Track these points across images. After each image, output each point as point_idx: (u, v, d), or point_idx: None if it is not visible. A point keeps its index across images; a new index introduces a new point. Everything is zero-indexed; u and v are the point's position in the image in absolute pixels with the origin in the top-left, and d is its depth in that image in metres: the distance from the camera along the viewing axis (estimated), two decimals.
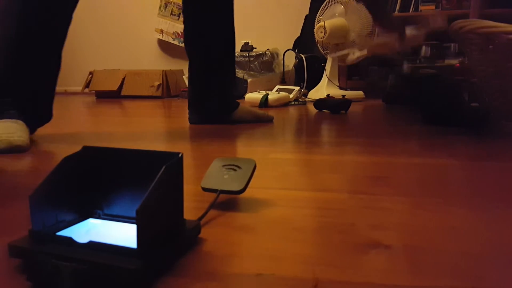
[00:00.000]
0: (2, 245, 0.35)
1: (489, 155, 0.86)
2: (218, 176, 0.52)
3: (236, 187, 0.50)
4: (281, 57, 2.85)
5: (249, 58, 2.90)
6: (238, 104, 1.39)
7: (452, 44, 2.81)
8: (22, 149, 0.89)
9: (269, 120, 1.44)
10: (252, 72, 2.86)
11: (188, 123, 1.39)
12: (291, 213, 0.49)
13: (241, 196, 0.54)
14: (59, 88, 1.10)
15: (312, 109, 1.93)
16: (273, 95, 2.10)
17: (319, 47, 2.48)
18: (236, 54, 2.91)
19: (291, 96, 2.21)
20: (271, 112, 1.80)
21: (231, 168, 0.54)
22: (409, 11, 2.87)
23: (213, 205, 0.48)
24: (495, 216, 0.48)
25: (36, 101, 1.01)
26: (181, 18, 3.30)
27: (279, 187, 0.62)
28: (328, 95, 2.01)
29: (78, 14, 1.00)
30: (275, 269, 0.35)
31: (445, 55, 2.86)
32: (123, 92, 3.00)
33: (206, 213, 0.46)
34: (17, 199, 0.57)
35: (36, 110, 1.02)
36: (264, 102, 2.05)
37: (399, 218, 0.47)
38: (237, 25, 1.36)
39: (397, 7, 2.89)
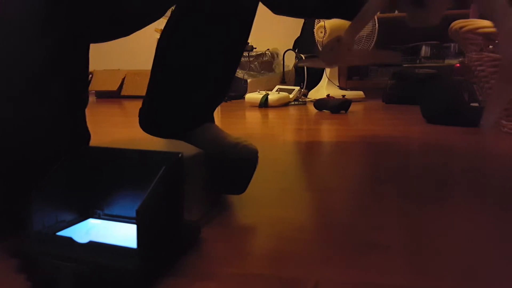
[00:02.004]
0: (2, 245, 0.35)
1: (489, 155, 0.86)
2: (219, 176, 0.52)
3: (236, 187, 0.50)
4: (281, 57, 2.85)
5: (249, 58, 2.90)
6: (202, 120, 0.84)
7: (452, 44, 2.81)
8: None
9: (243, 159, 0.64)
10: (252, 72, 2.86)
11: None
12: (291, 213, 0.49)
13: (241, 196, 0.54)
14: None
15: (312, 109, 1.93)
16: (273, 95, 2.10)
17: (319, 47, 2.48)
18: None
19: (291, 96, 2.21)
20: (271, 112, 1.80)
21: (231, 168, 0.54)
22: None
23: (213, 205, 0.48)
24: (495, 217, 0.48)
25: None
26: None
27: (279, 187, 0.62)
28: (328, 95, 2.01)
29: None
30: (275, 269, 0.35)
31: (445, 55, 2.86)
32: (123, 92, 3.00)
33: (206, 213, 0.46)
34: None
35: None
36: (264, 102, 2.05)
37: (399, 218, 0.47)
38: None
39: None
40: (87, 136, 0.57)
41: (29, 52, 0.51)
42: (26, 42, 0.51)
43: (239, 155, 0.72)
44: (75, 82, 0.59)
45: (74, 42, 0.59)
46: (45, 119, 0.49)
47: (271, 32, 3.25)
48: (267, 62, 2.92)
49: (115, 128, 1.33)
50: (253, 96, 2.13)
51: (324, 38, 2.35)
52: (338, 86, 2.47)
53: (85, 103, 0.61)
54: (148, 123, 0.92)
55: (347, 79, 2.87)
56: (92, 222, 0.40)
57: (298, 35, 3.03)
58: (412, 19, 0.58)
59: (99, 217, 0.40)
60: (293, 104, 2.21)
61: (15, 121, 0.46)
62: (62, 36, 0.56)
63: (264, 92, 2.12)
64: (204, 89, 0.86)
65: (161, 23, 1.03)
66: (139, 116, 0.93)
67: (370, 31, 2.40)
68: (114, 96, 2.98)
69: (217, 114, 1.77)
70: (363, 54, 0.87)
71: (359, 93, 2.46)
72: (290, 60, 2.82)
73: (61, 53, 0.56)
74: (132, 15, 0.76)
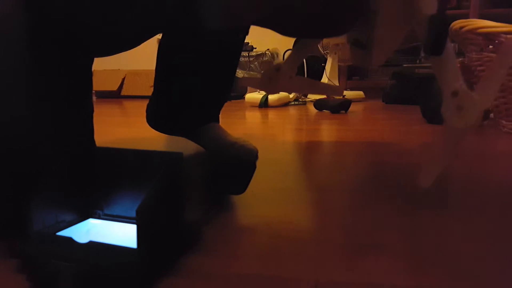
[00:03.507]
0: (2, 245, 0.35)
1: (489, 155, 0.86)
2: (218, 176, 0.52)
3: (236, 187, 0.50)
4: (281, 57, 2.85)
5: (249, 58, 2.90)
6: (208, 119, 0.86)
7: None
8: None
9: (242, 160, 0.64)
10: (252, 72, 2.86)
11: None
12: (291, 213, 0.49)
13: (241, 196, 0.54)
14: None
15: (312, 109, 1.93)
16: (273, 95, 2.10)
17: (319, 47, 2.48)
18: None
19: (291, 96, 2.21)
20: (271, 112, 1.80)
21: (231, 168, 0.54)
22: None
23: (213, 205, 0.48)
24: (495, 216, 0.48)
25: None
26: None
27: (279, 187, 0.62)
28: (328, 95, 2.01)
29: None
30: (275, 269, 0.35)
31: None
32: (123, 92, 3.00)
33: (206, 213, 0.46)
34: None
35: None
36: (264, 102, 2.05)
37: (399, 219, 0.47)
38: None
39: None
40: (91, 143, 0.57)
41: (31, 57, 0.51)
42: (26, 47, 0.50)
43: (237, 154, 0.71)
44: (78, 87, 0.59)
45: (76, 53, 0.58)
46: (48, 122, 0.49)
47: (271, 32, 3.25)
48: (267, 62, 2.92)
49: (115, 128, 1.33)
50: (253, 96, 2.13)
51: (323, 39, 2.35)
52: (338, 86, 2.47)
53: (90, 109, 0.60)
54: (154, 119, 0.95)
55: (347, 79, 2.87)
56: (92, 222, 0.40)
57: None
58: (355, 59, 0.58)
59: (99, 217, 0.40)
60: (293, 104, 2.21)
61: (19, 124, 0.46)
62: (63, 44, 0.55)
63: (264, 92, 2.12)
64: (202, 89, 0.87)
65: None
66: (147, 112, 0.96)
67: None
68: (114, 96, 2.98)
69: None
70: (304, 83, 0.88)
71: (359, 93, 2.46)
72: None
73: (64, 61, 0.55)
74: (132, 32, 0.76)
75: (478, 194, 0.57)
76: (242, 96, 2.43)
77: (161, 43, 0.89)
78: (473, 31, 1.11)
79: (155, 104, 0.94)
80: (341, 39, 2.41)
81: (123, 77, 3.04)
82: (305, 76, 2.60)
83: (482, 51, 1.14)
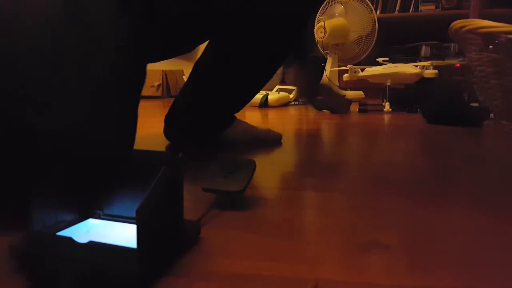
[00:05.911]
0: (2, 245, 0.35)
1: (489, 155, 0.86)
2: (218, 176, 0.52)
3: (235, 187, 0.50)
4: None
5: None
6: (233, 119, 1.00)
7: (452, 44, 2.81)
8: None
9: (275, 141, 1.03)
10: None
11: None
12: (291, 213, 0.49)
13: (241, 196, 0.54)
14: None
15: (312, 109, 1.93)
16: (273, 95, 2.10)
17: (319, 47, 2.48)
18: None
19: (291, 96, 2.21)
20: (271, 112, 1.80)
21: (231, 168, 0.54)
22: (409, 11, 2.87)
23: (213, 205, 0.48)
24: (495, 216, 0.48)
25: None
26: None
27: (279, 187, 0.62)
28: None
29: None
30: (275, 269, 0.35)
31: (445, 55, 2.86)
32: None
33: (206, 213, 0.46)
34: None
35: None
36: (264, 102, 2.05)
37: (399, 218, 0.47)
38: None
39: (397, 7, 2.89)
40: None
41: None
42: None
43: (274, 139, 1.03)
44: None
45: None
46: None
47: None
48: None
49: None
50: None
51: (324, 38, 2.35)
52: (338, 86, 2.47)
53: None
54: (178, 131, 1.01)
55: None
56: (92, 222, 0.40)
57: None
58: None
59: (99, 217, 0.40)
60: (293, 104, 2.21)
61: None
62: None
63: (264, 92, 2.12)
64: (234, 102, 1.01)
65: None
66: (166, 128, 1.02)
67: (370, 32, 2.39)
68: None
69: None
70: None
71: (359, 93, 2.46)
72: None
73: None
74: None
75: (479, 194, 0.57)
76: None
77: (197, 61, 0.98)
78: (473, 31, 1.11)
79: (182, 117, 1.01)
80: (342, 39, 2.41)
81: None
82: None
83: (482, 51, 1.14)
